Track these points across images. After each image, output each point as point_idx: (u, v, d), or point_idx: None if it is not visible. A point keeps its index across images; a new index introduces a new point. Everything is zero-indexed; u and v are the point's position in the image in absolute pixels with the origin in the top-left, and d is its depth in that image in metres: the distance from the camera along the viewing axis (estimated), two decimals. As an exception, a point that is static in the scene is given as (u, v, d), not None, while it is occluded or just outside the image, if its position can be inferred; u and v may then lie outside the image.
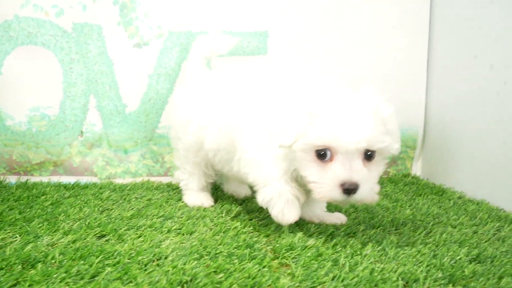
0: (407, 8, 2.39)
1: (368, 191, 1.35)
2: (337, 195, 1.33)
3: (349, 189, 1.31)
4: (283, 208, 1.47)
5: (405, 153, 2.49)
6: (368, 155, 1.35)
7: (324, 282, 1.15)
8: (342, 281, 1.15)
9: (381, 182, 2.28)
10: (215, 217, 1.70)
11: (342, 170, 1.32)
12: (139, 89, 2.28)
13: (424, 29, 2.40)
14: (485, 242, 1.47)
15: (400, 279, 1.16)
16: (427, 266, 1.25)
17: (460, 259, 1.30)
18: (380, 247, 1.38)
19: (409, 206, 1.90)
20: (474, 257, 1.33)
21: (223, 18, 2.30)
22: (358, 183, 1.32)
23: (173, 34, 2.26)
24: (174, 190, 2.11)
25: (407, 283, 1.16)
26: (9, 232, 1.44)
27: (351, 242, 1.42)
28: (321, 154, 1.35)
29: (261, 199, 1.50)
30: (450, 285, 1.15)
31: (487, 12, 1.96)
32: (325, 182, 1.34)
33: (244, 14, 2.30)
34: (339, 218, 1.66)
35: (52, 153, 2.24)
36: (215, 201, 1.95)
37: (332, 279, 1.16)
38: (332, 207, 1.76)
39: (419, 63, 2.42)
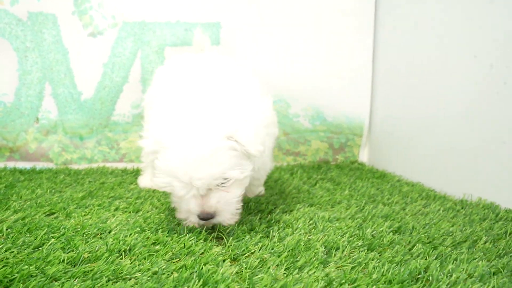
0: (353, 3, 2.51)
1: (227, 216, 1.36)
2: (196, 221, 1.35)
3: (206, 218, 1.34)
4: None
5: (352, 141, 2.62)
6: (223, 183, 1.33)
7: (253, 251, 1.25)
8: (269, 249, 1.26)
9: (328, 168, 2.42)
10: (162, 197, 1.79)
11: (193, 204, 1.33)
12: (94, 77, 2.34)
13: (370, 20, 2.52)
14: (409, 216, 1.60)
15: (323, 247, 1.27)
16: (350, 236, 1.37)
17: (382, 230, 1.42)
18: (311, 221, 1.49)
19: (349, 188, 2.02)
20: (396, 229, 1.45)
21: (177, 9, 2.37)
22: (214, 213, 1.33)
23: (127, 24, 2.33)
24: (128, 175, 2.19)
25: (329, 250, 1.27)
26: (-40, 211, 1.50)
27: (285, 217, 1.53)
28: None
29: None
30: (368, 251, 1.27)
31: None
32: (184, 211, 1.36)
33: (197, 6, 2.38)
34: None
35: (8, 139, 2.29)
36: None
37: (260, 248, 1.26)
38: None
39: (365, 54, 2.54)
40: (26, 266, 1.07)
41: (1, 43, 2.24)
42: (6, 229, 1.32)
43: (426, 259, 1.22)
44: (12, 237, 1.27)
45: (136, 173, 2.21)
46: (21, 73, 2.28)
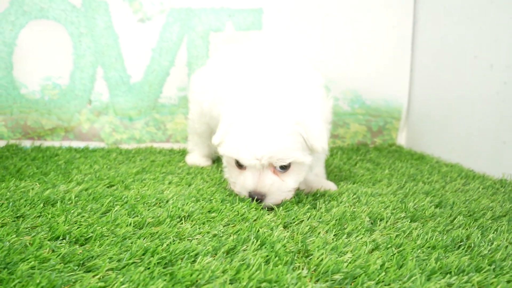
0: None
1: (277, 197, 1.44)
2: (247, 197, 1.45)
3: (255, 198, 1.43)
4: None
5: (390, 124, 2.67)
6: (282, 167, 1.43)
7: (302, 220, 1.34)
8: (317, 218, 1.34)
9: (367, 150, 2.49)
10: (211, 173, 1.89)
11: (250, 181, 1.43)
12: (142, 61, 2.45)
13: (409, 7, 2.56)
14: (449, 193, 1.66)
15: (367, 217, 1.35)
16: (393, 209, 1.44)
17: (423, 204, 1.49)
18: (354, 196, 1.57)
19: (388, 168, 2.08)
20: (437, 203, 1.52)
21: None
22: (265, 194, 1.42)
23: (175, 10, 2.44)
24: (175, 154, 2.30)
25: (374, 220, 1.35)
26: (29, 182, 1.63)
27: (330, 192, 1.61)
28: (238, 163, 1.46)
29: None
30: (411, 222, 1.35)
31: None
32: (239, 186, 1.47)
33: (240, -8, 2.47)
34: (330, 186, 1.72)
35: (63, 120, 2.43)
36: (213, 162, 2.14)
37: (309, 218, 1.35)
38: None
39: (404, 38, 2.59)
40: (99, 227, 1.18)
41: (57, 28, 2.37)
42: (74, 198, 1.44)
43: (467, 229, 1.29)
44: (81, 204, 1.39)
45: (183, 152, 2.32)
46: (75, 57, 2.41)
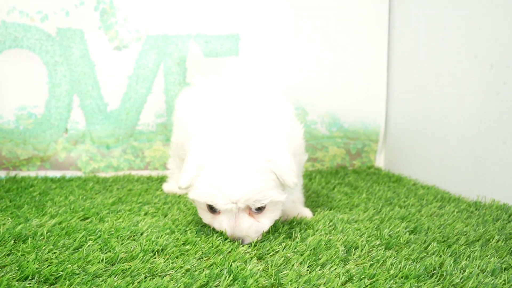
0: (367, 9, 2.59)
1: (255, 236, 1.42)
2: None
3: (234, 239, 1.40)
4: None
5: (369, 147, 2.69)
6: (258, 209, 1.40)
7: (277, 250, 1.34)
8: (292, 248, 1.34)
9: (345, 173, 2.50)
10: (188, 202, 1.88)
11: (226, 226, 1.40)
12: (119, 89, 2.45)
13: (383, 30, 2.60)
14: (425, 218, 1.67)
15: (343, 246, 1.35)
16: (368, 236, 1.45)
17: (398, 231, 1.50)
18: (331, 223, 1.58)
19: (366, 191, 2.09)
20: (412, 229, 1.53)
21: (197, 22, 2.48)
22: (243, 238, 1.40)
23: (151, 38, 2.44)
24: (153, 182, 2.29)
25: (348, 249, 1.35)
26: (1, 217, 1.61)
27: (306, 220, 1.61)
28: (211, 207, 1.42)
29: None
30: (385, 250, 1.35)
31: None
32: (216, 227, 1.44)
33: (216, 18, 2.48)
34: (306, 214, 1.70)
35: (39, 149, 2.40)
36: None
37: (284, 248, 1.35)
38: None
39: (380, 62, 2.62)
40: (70, 265, 1.17)
41: (32, 58, 2.36)
42: (46, 233, 1.42)
43: (440, 256, 1.29)
44: (53, 239, 1.37)
45: (161, 180, 2.31)
46: (50, 86, 2.39)
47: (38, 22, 2.34)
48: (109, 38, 2.41)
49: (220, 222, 1.42)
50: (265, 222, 1.43)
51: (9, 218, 1.58)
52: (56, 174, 2.40)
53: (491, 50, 1.94)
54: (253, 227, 1.41)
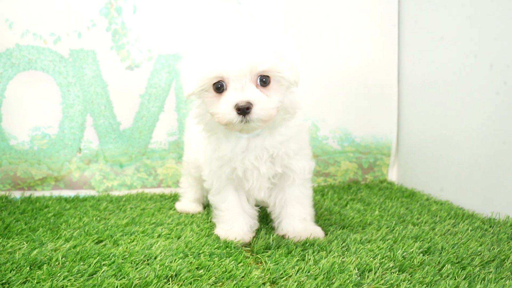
0: (375, 20, 2.59)
1: (262, 110, 1.43)
2: (233, 116, 1.42)
3: (243, 108, 1.41)
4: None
5: (381, 161, 2.68)
6: (263, 81, 1.45)
7: (291, 274, 1.34)
8: (306, 272, 1.34)
9: (358, 188, 2.49)
10: (201, 222, 1.89)
11: (234, 94, 1.42)
12: (132, 108, 2.47)
13: (393, 42, 2.59)
14: (439, 236, 1.66)
15: (356, 269, 1.35)
16: (382, 258, 1.44)
17: (412, 251, 1.49)
18: (344, 244, 1.57)
19: (378, 208, 2.08)
20: (425, 250, 1.52)
21: (208, 39, 2.49)
22: (251, 102, 1.41)
23: (162, 57, 2.46)
24: (166, 200, 2.30)
25: (362, 272, 1.34)
26: (17, 241, 1.62)
27: (319, 240, 1.61)
28: (218, 88, 1.46)
29: None
30: (399, 272, 1.34)
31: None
32: (222, 107, 1.44)
33: (225, 37, 2.49)
34: (318, 234, 1.67)
35: (53, 169, 2.43)
36: (205, 207, 2.14)
37: (297, 271, 1.35)
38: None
39: (390, 75, 2.62)
40: (85, 293, 1.18)
41: (45, 79, 2.39)
42: (61, 258, 1.43)
43: (455, 279, 1.29)
44: (68, 265, 1.38)
45: (174, 197, 2.32)
46: (64, 107, 2.42)
47: (51, 44, 2.38)
48: (121, 58, 2.44)
49: (227, 95, 1.44)
50: (272, 95, 1.47)
51: (25, 243, 1.60)
52: (70, 193, 2.42)
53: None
54: (260, 95, 1.43)
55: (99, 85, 2.44)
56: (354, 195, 2.34)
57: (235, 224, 1.69)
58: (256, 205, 1.75)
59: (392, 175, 2.72)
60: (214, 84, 1.47)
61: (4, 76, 2.35)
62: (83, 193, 2.44)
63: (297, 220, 1.68)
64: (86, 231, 1.74)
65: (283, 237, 1.68)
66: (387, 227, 1.78)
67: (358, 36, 2.60)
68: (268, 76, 1.46)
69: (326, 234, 1.70)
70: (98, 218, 1.95)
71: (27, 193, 2.39)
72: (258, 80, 1.45)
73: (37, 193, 2.41)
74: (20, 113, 2.39)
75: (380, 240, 1.62)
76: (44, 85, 2.40)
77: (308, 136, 1.75)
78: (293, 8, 2.53)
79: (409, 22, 2.54)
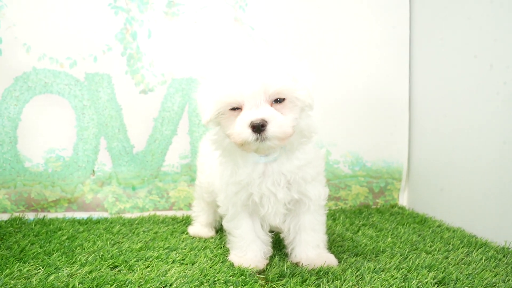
0: (386, 44, 2.61)
1: (278, 127, 1.44)
2: (248, 135, 1.44)
3: (257, 125, 1.42)
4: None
5: (392, 185, 2.69)
6: (278, 101, 1.47)
7: (306, 304, 1.34)
8: (321, 302, 1.35)
9: (369, 213, 2.49)
10: (215, 248, 1.90)
11: (249, 113, 1.44)
12: (145, 131, 2.50)
13: (404, 66, 2.62)
14: (452, 266, 1.66)
15: (371, 300, 1.36)
16: (397, 288, 1.44)
17: (427, 282, 1.49)
18: (358, 273, 1.58)
19: (391, 234, 2.08)
20: (440, 280, 1.52)
21: (222, 65, 2.52)
22: (266, 120, 1.42)
23: (176, 81, 2.50)
24: (179, 223, 2.31)
25: (377, 303, 1.35)
26: (32, 265, 1.64)
27: (333, 268, 1.61)
28: (234, 109, 1.49)
29: None
30: (414, 304, 1.35)
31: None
32: (238, 126, 1.46)
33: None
34: (331, 262, 1.67)
35: (67, 191, 2.45)
36: (217, 231, 2.15)
37: (313, 301, 1.35)
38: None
39: (401, 100, 2.64)
40: (103, 322, 1.19)
41: (61, 102, 2.42)
42: (78, 284, 1.44)
43: (471, 312, 1.29)
44: (85, 292, 1.39)
45: (186, 220, 2.34)
46: (78, 129, 2.45)
47: (67, 68, 2.41)
48: (136, 82, 2.47)
49: (242, 116, 1.45)
50: (286, 114, 1.48)
51: (41, 267, 1.61)
52: (83, 215, 2.44)
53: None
54: (275, 113, 1.44)
55: (113, 109, 2.47)
56: (366, 220, 2.35)
57: (248, 251, 1.70)
58: (270, 231, 1.76)
59: (403, 200, 2.72)
60: (230, 107, 1.50)
61: (20, 99, 2.39)
62: (95, 215, 2.45)
63: (311, 247, 1.69)
64: (101, 255, 1.75)
65: (296, 264, 1.69)
66: (400, 255, 1.78)
67: (368, 61, 2.63)
68: (283, 98, 1.48)
69: (339, 262, 1.70)
70: (112, 242, 1.96)
71: (40, 215, 2.41)
72: (273, 100, 1.47)
73: (51, 215, 2.43)
74: (35, 135, 2.42)
75: (394, 269, 1.62)
76: (60, 108, 2.43)
77: (323, 162, 1.76)
78: (304, 33, 2.56)
79: (421, 44, 2.56)
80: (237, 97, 1.46)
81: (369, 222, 2.31)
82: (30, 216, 2.40)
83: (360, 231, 2.15)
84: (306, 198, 1.67)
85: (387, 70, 2.63)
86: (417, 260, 1.72)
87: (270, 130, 1.43)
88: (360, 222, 2.32)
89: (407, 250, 1.85)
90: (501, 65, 1.92)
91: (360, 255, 1.80)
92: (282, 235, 1.78)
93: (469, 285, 1.47)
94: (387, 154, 2.67)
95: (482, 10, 2.03)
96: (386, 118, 2.65)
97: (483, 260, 1.71)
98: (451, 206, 2.30)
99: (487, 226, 2.03)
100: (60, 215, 2.44)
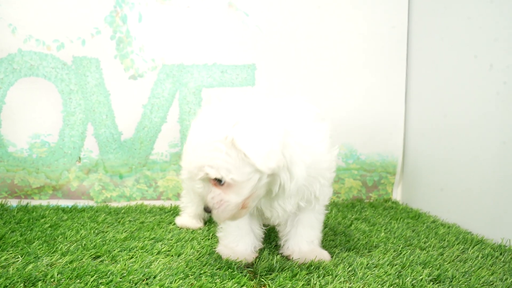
0: (384, 40, 2.55)
1: (221, 212, 1.42)
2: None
3: (207, 211, 1.44)
4: None
5: (386, 179, 2.63)
6: (218, 180, 1.39)
7: (296, 300, 1.28)
8: (311, 298, 1.28)
9: (362, 206, 2.44)
10: (202, 239, 1.83)
11: (205, 194, 1.45)
12: (134, 118, 2.42)
13: (402, 60, 2.55)
14: (448, 263, 1.60)
15: (364, 297, 1.30)
16: (390, 285, 1.38)
17: (421, 279, 1.43)
18: (350, 268, 1.52)
19: (384, 229, 2.03)
20: (435, 277, 1.46)
21: (213, 51, 2.45)
22: (211, 208, 1.42)
23: (167, 67, 2.42)
24: (166, 214, 2.24)
25: (370, 300, 1.29)
26: (11, 253, 1.56)
27: (325, 263, 1.55)
28: None
29: None
30: (409, 302, 1.29)
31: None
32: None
33: (233, 48, 2.45)
34: (324, 257, 1.62)
35: (51, 178, 2.37)
36: (205, 223, 2.08)
37: (303, 297, 1.29)
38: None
39: (398, 93, 2.57)
40: (80, 315, 1.12)
41: (47, 86, 2.34)
42: (57, 274, 1.37)
43: (468, 311, 1.23)
44: (63, 283, 1.32)
45: (174, 211, 2.27)
46: (65, 115, 2.37)
47: (54, 51, 2.33)
48: (125, 67, 2.39)
49: (205, 190, 1.46)
50: (230, 195, 1.41)
51: (20, 256, 1.54)
52: (68, 203, 2.37)
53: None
54: (216, 198, 1.41)
55: (101, 94, 2.39)
56: (359, 214, 2.29)
57: (240, 243, 1.63)
58: (265, 225, 1.69)
59: (397, 194, 2.66)
60: None
61: (5, 81, 2.31)
62: (81, 203, 2.38)
63: (305, 242, 1.63)
64: (83, 245, 1.68)
65: (287, 257, 1.63)
66: (394, 251, 1.72)
67: (366, 56, 2.56)
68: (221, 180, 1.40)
69: (331, 257, 1.64)
70: (96, 231, 1.89)
71: (24, 202, 2.33)
72: (216, 180, 1.40)
73: (34, 202, 2.35)
74: (19, 119, 2.34)
75: (388, 265, 1.57)
76: (46, 92, 2.36)
77: (333, 165, 1.64)
78: (301, 20, 2.50)
79: (417, 39, 2.50)
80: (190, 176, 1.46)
81: (361, 216, 2.26)
82: (13, 203, 2.33)
83: (352, 225, 2.10)
84: (314, 199, 1.60)
85: (385, 67, 2.56)
86: (411, 256, 1.66)
87: (215, 214, 1.43)
88: (352, 216, 2.26)
89: (401, 246, 1.79)
90: (501, 65, 1.90)
91: (352, 250, 1.74)
92: (277, 228, 1.72)
93: (466, 284, 1.41)
94: (382, 147, 2.61)
95: (482, 10, 2.01)
96: (381, 111, 2.59)
97: (479, 258, 1.66)
98: (446, 202, 2.25)
99: (483, 223, 1.98)
100: (44, 202, 2.36)
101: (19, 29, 2.30)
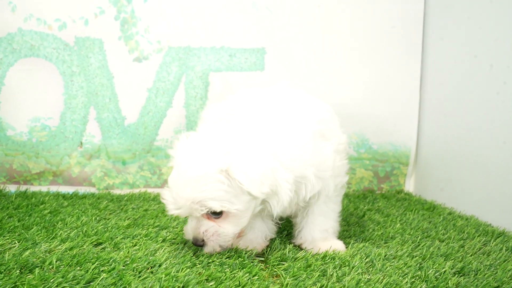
0: (399, 33, 2.45)
1: (217, 243, 1.40)
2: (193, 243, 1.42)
3: (196, 245, 1.40)
4: None
5: (398, 170, 2.54)
6: (214, 213, 1.36)
7: (312, 291, 1.19)
8: (329, 290, 1.19)
9: (374, 198, 2.35)
10: (209, 228, 1.74)
11: (189, 228, 1.40)
12: (138, 102, 2.33)
13: (417, 50, 2.45)
14: (470, 255, 1.51)
15: (385, 289, 1.21)
16: (412, 277, 1.29)
17: (445, 271, 1.34)
18: (368, 259, 1.43)
19: (399, 220, 1.94)
20: (459, 270, 1.37)
21: (222, 34, 2.36)
22: (203, 241, 1.39)
23: (173, 49, 2.33)
24: (170, 202, 2.15)
25: (392, 293, 1.20)
26: (8, 239, 1.48)
27: (340, 254, 1.47)
28: None
29: None
30: (433, 296, 1.20)
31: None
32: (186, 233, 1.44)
33: (242, 31, 2.36)
34: (338, 247, 1.55)
35: (52, 163, 2.29)
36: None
37: (319, 288, 1.20)
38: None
39: (412, 83, 2.47)
40: (80, 304, 1.03)
41: (48, 68, 2.26)
42: (56, 261, 1.28)
43: (499, 306, 1.14)
44: (62, 270, 1.23)
45: (178, 199, 2.18)
46: (66, 97, 2.28)
47: (56, 31, 2.24)
48: (129, 49, 2.30)
49: (188, 224, 1.42)
50: (226, 227, 1.38)
51: (16, 241, 1.45)
52: (69, 190, 2.28)
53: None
54: (210, 230, 1.37)
55: (104, 76, 2.30)
56: (371, 205, 2.20)
57: (250, 231, 1.54)
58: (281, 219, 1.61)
59: (409, 186, 2.57)
60: None
61: (4, 62, 2.22)
62: (82, 190, 2.29)
63: (318, 230, 1.55)
64: (84, 231, 1.60)
65: (299, 246, 1.54)
66: (412, 242, 1.63)
67: (380, 42, 2.45)
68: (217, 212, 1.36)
69: (346, 247, 1.55)
70: (98, 218, 1.81)
71: (22, 188, 2.24)
72: (210, 213, 1.36)
73: (34, 188, 2.27)
74: (19, 102, 2.25)
75: (407, 256, 1.48)
76: (46, 73, 2.27)
77: (326, 160, 1.54)
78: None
79: (434, 31, 2.41)
80: (169, 212, 1.39)
81: (374, 207, 2.16)
82: (12, 188, 2.24)
83: (365, 216, 2.01)
84: (323, 190, 1.52)
85: (399, 53, 2.46)
86: (431, 248, 1.57)
87: (208, 247, 1.40)
88: (365, 207, 2.17)
89: (418, 237, 1.70)
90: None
91: (368, 241, 1.65)
92: (291, 219, 1.63)
93: (492, 277, 1.32)
94: (395, 136, 2.51)
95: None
96: (395, 99, 2.48)
97: (503, 251, 1.56)
98: (462, 193, 2.16)
99: (504, 214, 1.88)
100: (44, 188, 2.28)
101: (19, 8, 2.21)
